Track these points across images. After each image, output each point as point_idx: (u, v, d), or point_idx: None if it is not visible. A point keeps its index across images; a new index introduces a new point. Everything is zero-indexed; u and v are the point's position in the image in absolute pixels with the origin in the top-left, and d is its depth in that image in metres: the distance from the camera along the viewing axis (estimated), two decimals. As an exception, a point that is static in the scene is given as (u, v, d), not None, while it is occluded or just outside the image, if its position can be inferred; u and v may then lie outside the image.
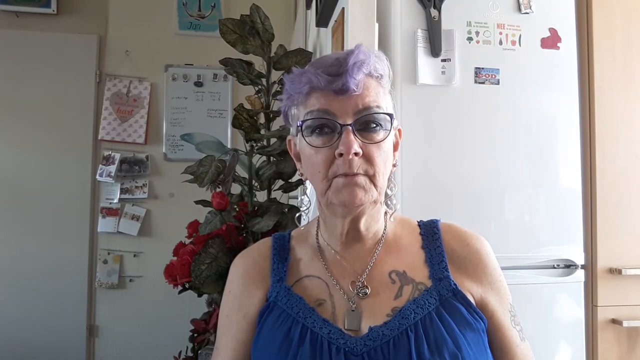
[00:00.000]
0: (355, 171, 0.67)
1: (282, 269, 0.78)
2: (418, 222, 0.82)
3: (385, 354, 0.66)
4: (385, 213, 0.79)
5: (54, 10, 2.99)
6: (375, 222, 0.77)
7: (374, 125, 0.70)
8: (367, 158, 0.69)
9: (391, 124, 0.71)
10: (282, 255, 0.80)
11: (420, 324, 0.68)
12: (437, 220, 0.81)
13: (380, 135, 0.70)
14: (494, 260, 0.78)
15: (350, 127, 0.67)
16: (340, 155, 0.67)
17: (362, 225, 0.75)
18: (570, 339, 1.31)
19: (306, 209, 0.82)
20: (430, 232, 0.79)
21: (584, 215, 1.36)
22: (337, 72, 0.68)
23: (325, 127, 0.69)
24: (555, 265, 1.33)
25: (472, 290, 0.74)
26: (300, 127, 0.71)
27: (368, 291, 0.72)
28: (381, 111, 0.70)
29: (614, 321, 1.34)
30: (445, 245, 0.77)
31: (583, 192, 1.36)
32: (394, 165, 0.76)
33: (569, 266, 1.33)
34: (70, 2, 3.06)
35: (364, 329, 0.69)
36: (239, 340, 0.76)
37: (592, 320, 1.35)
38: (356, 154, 0.67)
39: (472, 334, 0.69)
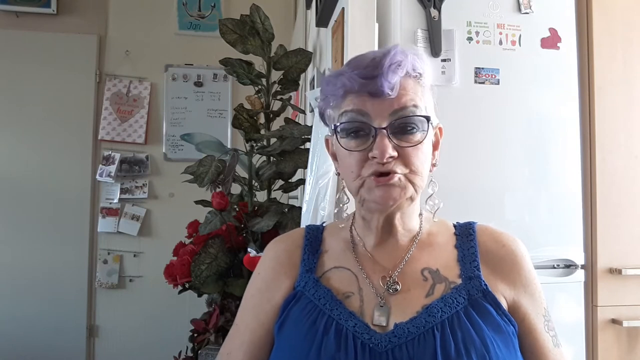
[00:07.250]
0: (391, 169, 0.66)
1: (312, 260, 0.77)
2: (454, 223, 0.81)
3: (410, 351, 0.64)
4: (420, 214, 0.78)
5: (54, 10, 2.99)
6: (410, 220, 0.76)
7: (410, 128, 0.68)
8: (404, 160, 0.67)
9: (428, 125, 0.70)
10: (313, 246, 0.80)
11: (447, 322, 0.66)
12: (474, 223, 0.80)
13: (417, 136, 0.68)
14: (529, 263, 0.77)
15: (384, 131, 0.66)
16: (375, 158, 0.66)
17: (397, 221, 0.74)
18: (570, 339, 1.30)
19: (344, 205, 0.81)
20: (465, 232, 0.78)
21: (584, 215, 1.36)
22: (371, 75, 0.67)
23: (360, 130, 0.68)
24: (555, 265, 1.33)
25: (505, 293, 0.72)
26: (335, 130, 0.71)
27: (399, 287, 0.71)
28: (418, 112, 0.68)
29: (614, 321, 1.34)
30: (480, 246, 0.75)
31: (583, 192, 1.36)
32: (434, 165, 0.75)
33: (569, 266, 1.33)
34: (70, 2, 3.06)
35: (391, 326, 0.68)
36: (259, 321, 0.76)
37: (592, 320, 1.35)
38: (391, 157, 0.66)
39: (501, 336, 0.67)
